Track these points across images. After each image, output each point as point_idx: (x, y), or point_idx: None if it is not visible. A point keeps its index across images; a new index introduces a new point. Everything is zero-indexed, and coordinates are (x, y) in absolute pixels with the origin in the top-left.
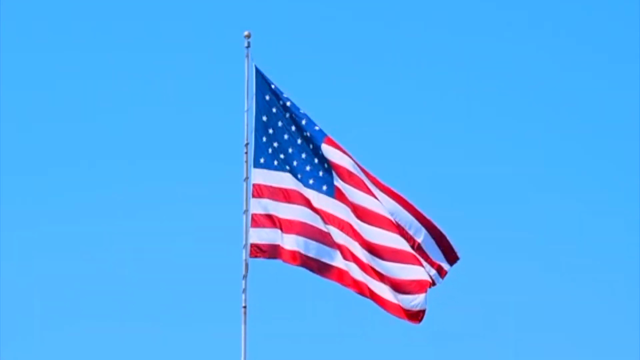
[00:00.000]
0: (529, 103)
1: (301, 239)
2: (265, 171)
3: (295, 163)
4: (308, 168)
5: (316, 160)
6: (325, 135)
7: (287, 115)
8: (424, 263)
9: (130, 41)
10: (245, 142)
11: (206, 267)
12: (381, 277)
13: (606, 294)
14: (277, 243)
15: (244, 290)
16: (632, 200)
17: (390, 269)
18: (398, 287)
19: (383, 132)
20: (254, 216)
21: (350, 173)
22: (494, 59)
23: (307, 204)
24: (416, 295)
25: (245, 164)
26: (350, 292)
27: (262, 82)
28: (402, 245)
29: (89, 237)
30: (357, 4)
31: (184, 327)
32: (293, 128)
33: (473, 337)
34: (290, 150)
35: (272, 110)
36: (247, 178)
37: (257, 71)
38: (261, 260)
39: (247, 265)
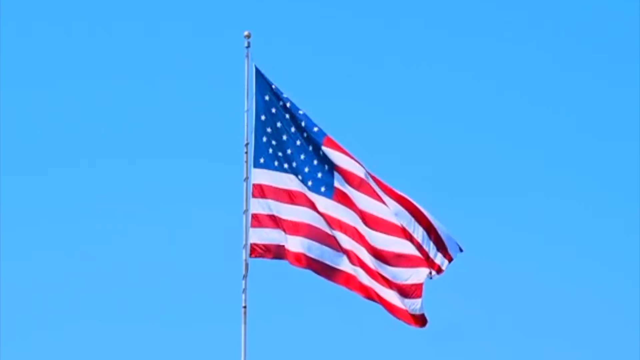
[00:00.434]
0: (529, 103)
1: (306, 241)
2: (265, 171)
3: (294, 164)
4: (307, 169)
5: (315, 162)
6: (324, 135)
7: (287, 116)
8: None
9: (130, 41)
10: (245, 142)
11: (206, 267)
12: (389, 284)
13: (606, 294)
14: (280, 244)
15: (244, 290)
16: (632, 200)
17: (397, 274)
18: (404, 292)
19: (383, 132)
20: (254, 216)
21: (360, 180)
22: (494, 59)
23: (312, 206)
24: (417, 300)
25: (245, 164)
26: (350, 292)
27: (262, 82)
28: (409, 249)
29: (89, 237)
30: (357, 4)
31: (184, 327)
32: (292, 129)
33: (473, 337)
34: (289, 151)
35: (271, 111)
36: (247, 178)
37: (257, 71)
38: (261, 260)
39: (247, 265)
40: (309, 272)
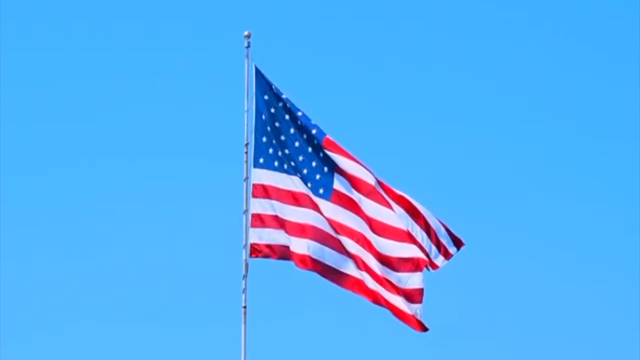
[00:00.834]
0: (529, 103)
1: (312, 243)
2: (266, 171)
3: (293, 164)
4: (305, 171)
5: (314, 164)
6: (324, 135)
7: (287, 116)
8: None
9: (130, 41)
10: (245, 142)
11: (206, 267)
12: (396, 290)
13: (606, 294)
14: (284, 245)
15: (244, 290)
16: (632, 200)
17: (402, 279)
18: (410, 296)
19: (383, 132)
20: (254, 216)
21: (371, 188)
22: (494, 59)
23: (316, 208)
24: (419, 305)
25: (245, 164)
26: (350, 293)
27: (262, 82)
28: (414, 252)
29: (89, 237)
30: (357, 4)
31: (184, 327)
32: (292, 130)
33: (473, 337)
34: (287, 152)
35: (271, 111)
36: (247, 178)
37: (257, 71)
38: (261, 260)
39: (247, 265)
40: (309, 272)
